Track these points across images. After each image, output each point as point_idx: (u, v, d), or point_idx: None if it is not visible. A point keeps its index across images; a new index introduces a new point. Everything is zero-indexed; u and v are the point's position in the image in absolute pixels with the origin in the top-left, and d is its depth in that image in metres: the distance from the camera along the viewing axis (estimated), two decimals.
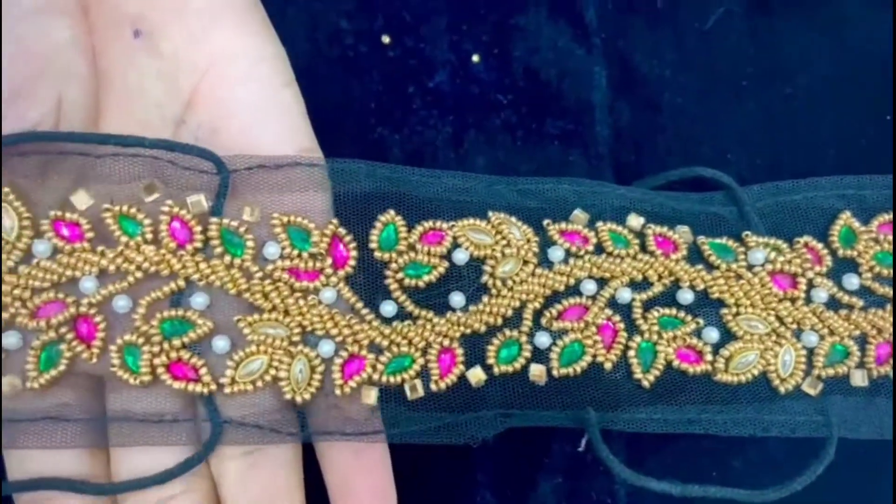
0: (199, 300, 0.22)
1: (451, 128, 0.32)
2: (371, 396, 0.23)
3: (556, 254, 0.25)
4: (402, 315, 0.24)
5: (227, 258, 0.23)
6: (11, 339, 0.21)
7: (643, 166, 0.32)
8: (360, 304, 0.23)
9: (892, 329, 0.25)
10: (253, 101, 0.23)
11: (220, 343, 0.22)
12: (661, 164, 0.32)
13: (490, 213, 0.24)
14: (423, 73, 0.32)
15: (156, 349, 0.22)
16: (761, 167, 0.32)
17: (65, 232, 0.22)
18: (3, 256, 0.21)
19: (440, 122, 0.32)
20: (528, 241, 0.24)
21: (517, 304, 0.24)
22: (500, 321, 0.24)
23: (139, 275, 0.22)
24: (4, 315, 0.21)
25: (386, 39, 0.33)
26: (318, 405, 0.22)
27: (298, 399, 0.22)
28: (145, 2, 0.23)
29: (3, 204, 0.22)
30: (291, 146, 0.23)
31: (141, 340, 0.22)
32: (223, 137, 0.22)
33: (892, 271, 0.25)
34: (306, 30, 0.32)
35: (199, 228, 0.23)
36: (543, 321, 0.24)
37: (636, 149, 0.32)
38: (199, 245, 0.23)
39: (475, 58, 0.32)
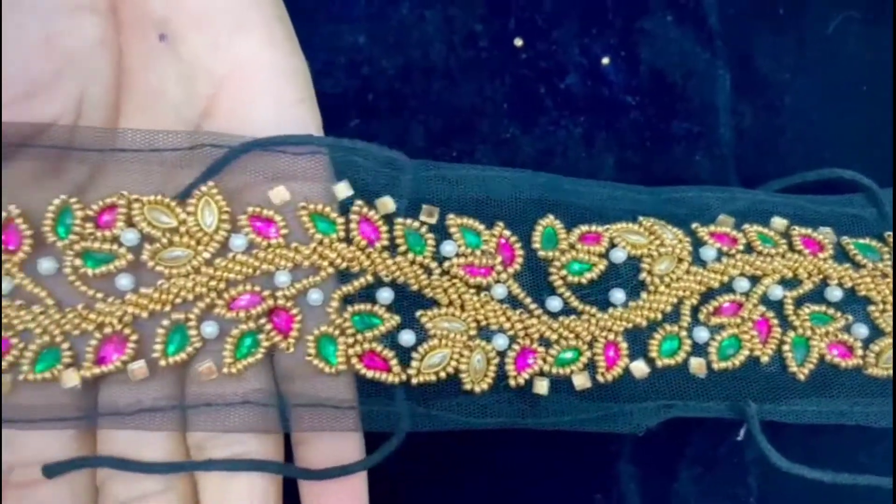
0: (385, 295, 0.23)
1: (581, 128, 0.32)
2: (543, 387, 0.24)
3: (708, 253, 0.25)
4: (567, 310, 0.24)
5: (411, 256, 0.23)
6: (209, 329, 0.22)
7: (765, 168, 0.33)
8: (528, 300, 0.24)
9: None
10: (268, 114, 0.23)
11: (406, 336, 0.23)
12: (783, 166, 0.33)
13: (640, 218, 0.25)
14: (554, 74, 0.33)
15: (350, 340, 0.23)
16: (881, 171, 0.32)
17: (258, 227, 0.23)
18: (201, 247, 0.22)
19: (571, 122, 0.33)
20: (680, 241, 0.25)
21: (675, 300, 0.25)
22: (659, 316, 0.25)
23: (331, 270, 0.23)
24: (201, 304, 0.22)
25: (518, 42, 0.33)
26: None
27: (477, 389, 0.23)
28: (172, 6, 0.23)
29: (205, 197, 0.23)
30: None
31: (336, 332, 0.23)
32: None
33: None
34: (442, 33, 0.33)
35: (385, 228, 0.23)
36: (701, 317, 0.25)
37: (758, 150, 0.33)
38: (385, 243, 0.23)
39: (605, 60, 0.33)
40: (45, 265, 0.22)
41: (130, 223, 0.22)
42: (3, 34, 0.21)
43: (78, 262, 0.22)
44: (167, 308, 0.22)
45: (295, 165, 0.23)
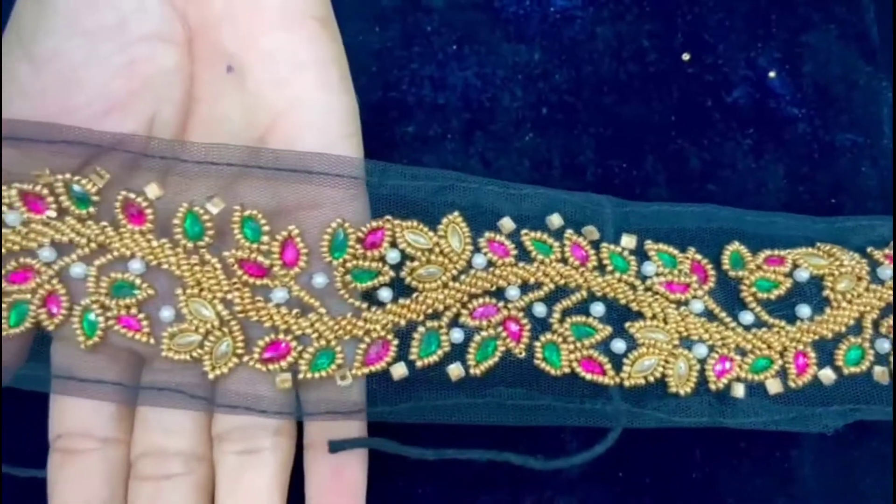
0: (598, 308, 0.29)
1: (750, 140, 0.38)
2: (740, 391, 0.30)
3: (885, 272, 0.31)
4: (758, 323, 0.30)
5: (617, 274, 0.29)
6: (456, 335, 0.28)
7: None
8: (724, 314, 0.30)
9: None
10: (316, 146, 0.27)
11: (618, 344, 0.29)
12: None
13: (818, 244, 0.31)
14: (721, 88, 0.38)
15: (570, 347, 0.29)
16: None
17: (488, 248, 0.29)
18: (450, 265, 0.29)
19: (739, 134, 0.38)
20: (858, 262, 0.30)
21: (857, 314, 0.30)
22: (843, 329, 0.30)
23: (552, 286, 0.29)
24: (449, 314, 0.29)
25: (686, 57, 0.38)
26: None
27: (682, 392, 0.29)
28: (242, 43, 0.27)
29: (452, 224, 0.29)
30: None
31: (559, 340, 0.29)
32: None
33: None
34: (612, 49, 0.38)
35: (592, 252, 0.29)
36: (882, 329, 0.30)
37: None
38: (595, 264, 0.29)
39: (772, 74, 0.38)
40: (319, 280, 0.28)
41: (394, 244, 0.28)
42: (92, 57, 0.26)
43: (348, 278, 0.28)
44: (421, 317, 0.28)
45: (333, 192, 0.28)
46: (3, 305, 0.25)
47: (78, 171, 0.26)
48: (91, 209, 0.26)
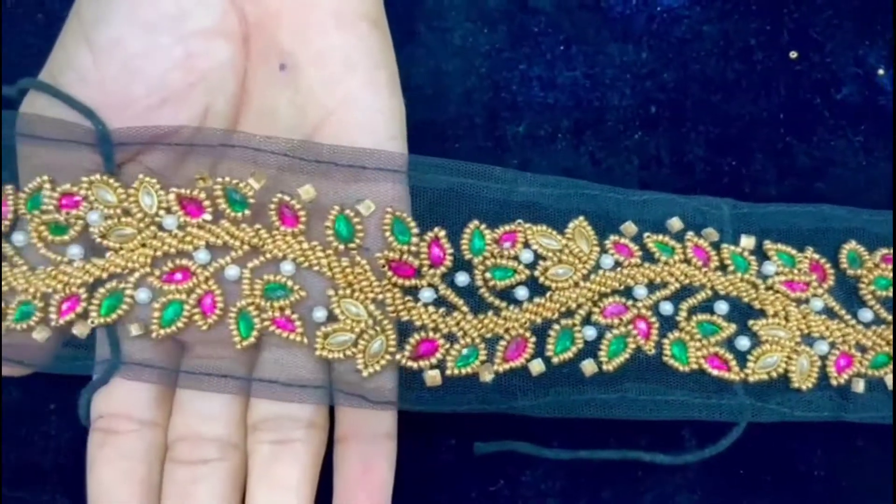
0: (722, 307, 0.33)
1: (861, 137, 0.40)
2: (860, 386, 0.33)
3: None
4: (877, 320, 0.33)
5: (738, 274, 0.33)
6: (589, 332, 0.32)
7: None
8: (843, 312, 0.33)
9: None
10: (361, 146, 0.29)
11: (742, 341, 0.33)
12: None
13: None
14: (830, 85, 0.41)
15: (697, 344, 0.32)
16: None
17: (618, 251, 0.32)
18: (580, 265, 0.32)
19: (850, 131, 0.41)
20: None
21: None
22: None
23: (677, 285, 0.33)
24: (581, 312, 0.32)
25: (793, 55, 0.41)
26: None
27: (804, 387, 0.33)
28: (296, 42, 0.30)
29: (579, 227, 0.32)
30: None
31: (687, 337, 0.32)
32: None
33: None
34: (719, 47, 0.41)
35: (714, 253, 0.33)
36: None
37: None
38: (717, 264, 0.33)
39: (881, 71, 0.41)
40: (461, 278, 0.32)
41: (527, 245, 0.32)
42: (151, 48, 0.28)
43: (488, 275, 0.32)
44: (556, 315, 0.32)
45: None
46: (157, 305, 0.29)
47: (119, 165, 0.29)
48: (246, 212, 0.29)
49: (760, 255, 0.32)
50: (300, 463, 0.28)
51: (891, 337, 0.32)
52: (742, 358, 0.32)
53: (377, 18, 0.31)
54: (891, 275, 0.33)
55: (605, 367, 0.31)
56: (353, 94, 0.30)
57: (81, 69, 0.28)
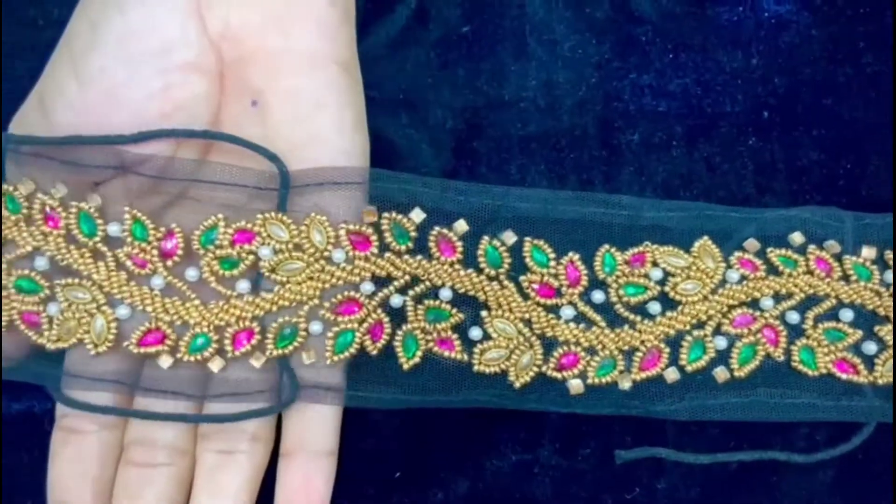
0: (847, 315, 0.38)
1: None
2: None
3: None
4: None
5: (862, 283, 0.37)
6: (720, 342, 0.37)
7: None
8: None
9: None
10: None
11: (870, 346, 0.38)
12: None
13: None
14: None
15: (825, 350, 0.37)
16: None
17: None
18: (707, 280, 0.38)
19: None
20: None
21: None
22: None
23: (802, 296, 0.38)
24: (711, 324, 0.38)
25: None
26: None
27: None
28: (268, 81, 0.34)
29: (703, 246, 0.38)
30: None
31: (814, 344, 0.38)
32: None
33: None
34: (828, 51, 0.46)
35: (836, 263, 0.37)
36: None
37: None
38: (839, 274, 0.38)
39: None
40: (597, 296, 0.38)
41: (655, 264, 0.37)
42: (133, 79, 0.33)
43: (621, 292, 0.37)
44: (688, 327, 0.38)
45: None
46: (331, 335, 0.34)
47: (96, 185, 0.34)
48: (409, 244, 0.35)
49: (882, 264, 0.37)
50: (242, 472, 0.33)
51: None
52: (870, 362, 0.37)
53: (348, 62, 0.35)
54: None
55: (736, 373, 0.37)
56: (321, 132, 0.34)
57: (68, 95, 0.33)
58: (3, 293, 0.33)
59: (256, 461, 0.33)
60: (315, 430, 0.33)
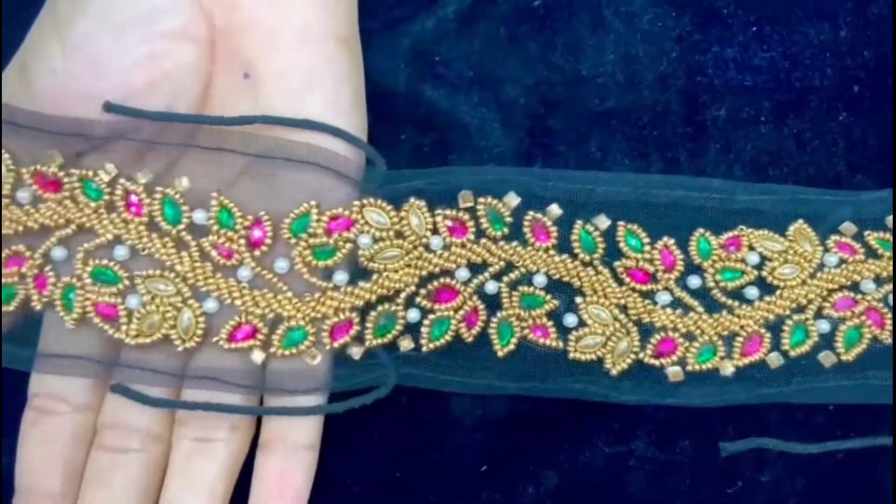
0: None
1: None
2: None
3: None
4: None
5: None
6: (823, 325, 0.37)
7: None
8: None
9: None
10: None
11: None
12: None
13: None
14: None
15: None
16: None
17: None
18: (805, 264, 0.38)
19: None
20: None
21: None
22: None
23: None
24: (812, 307, 0.38)
25: None
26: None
27: None
28: (261, 53, 0.33)
29: (799, 230, 0.38)
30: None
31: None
32: None
33: None
34: None
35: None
36: None
37: None
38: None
39: None
40: (694, 282, 0.38)
41: (751, 248, 0.37)
42: (118, 46, 0.32)
43: (718, 277, 0.37)
44: (788, 311, 0.38)
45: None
46: (427, 322, 0.34)
47: (77, 155, 0.33)
48: (505, 230, 0.35)
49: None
50: (218, 462, 0.32)
51: None
52: None
53: (348, 36, 0.35)
54: None
55: (843, 357, 0.37)
56: (315, 111, 0.33)
57: (51, 61, 0.32)
58: (79, 283, 0.33)
59: (234, 451, 0.33)
60: (295, 422, 0.33)
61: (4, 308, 0.33)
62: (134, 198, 0.33)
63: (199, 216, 0.33)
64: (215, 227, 0.33)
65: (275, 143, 0.33)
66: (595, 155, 0.40)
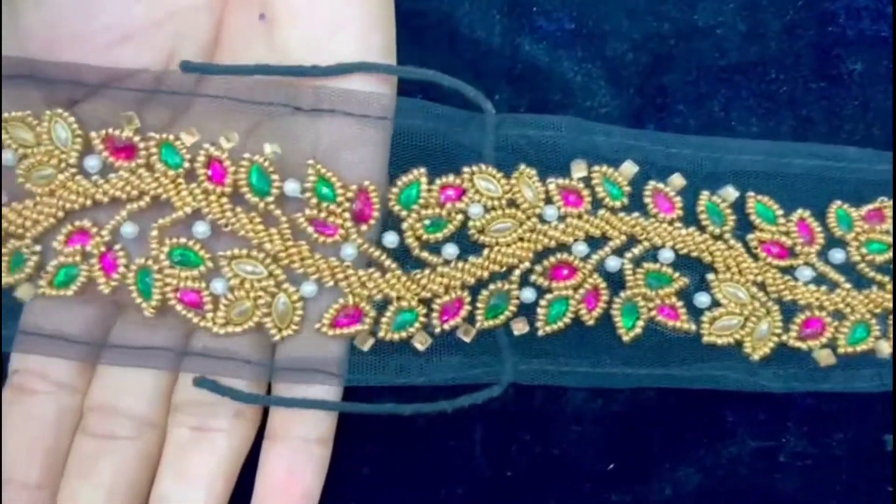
0: None
1: None
2: None
3: None
4: None
5: None
6: None
7: None
8: None
9: None
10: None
11: None
12: None
13: None
14: None
15: None
16: None
17: None
18: None
19: None
20: None
21: None
22: None
23: None
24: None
25: None
26: None
27: None
28: None
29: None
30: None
31: None
32: None
33: None
34: None
35: None
36: None
37: None
38: None
39: None
40: (837, 256, 0.34)
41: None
42: None
43: (863, 250, 0.33)
44: None
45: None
46: (544, 302, 0.32)
47: (72, 105, 0.30)
48: (624, 200, 0.33)
49: None
50: (218, 454, 0.29)
51: None
52: None
53: None
54: None
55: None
56: (339, 59, 0.30)
57: None
58: (156, 266, 0.30)
59: (237, 443, 0.30)
60: (306, 413, 0.29)
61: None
62: (217, 166, 0.30)
63: (291, 187, 0.30)
64: (312, 201, 0.30)
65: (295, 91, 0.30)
66: (718, 114, 0.38)
